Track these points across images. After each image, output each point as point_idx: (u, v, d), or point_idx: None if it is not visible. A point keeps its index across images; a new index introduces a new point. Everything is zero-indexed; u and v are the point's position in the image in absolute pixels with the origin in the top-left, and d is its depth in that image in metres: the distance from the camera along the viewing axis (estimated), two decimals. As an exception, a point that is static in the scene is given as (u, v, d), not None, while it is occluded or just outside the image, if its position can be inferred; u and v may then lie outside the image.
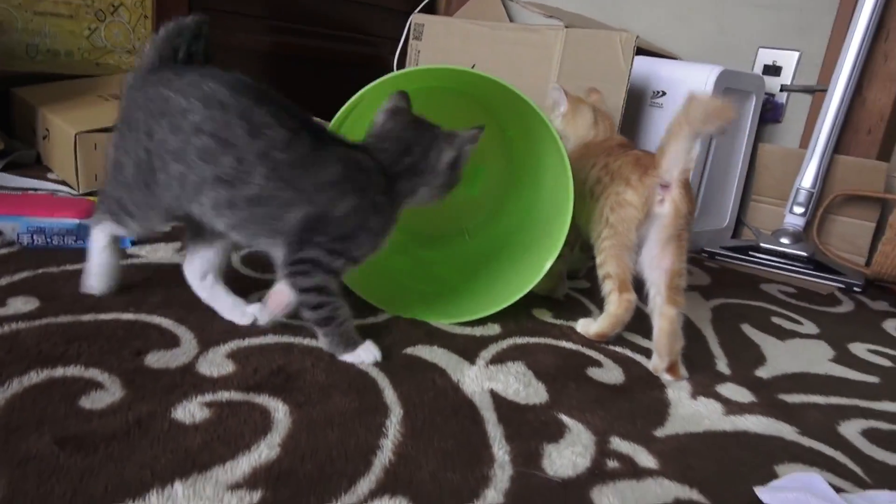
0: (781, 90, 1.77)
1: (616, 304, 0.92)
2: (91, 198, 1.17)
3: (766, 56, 1.79)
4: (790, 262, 1.52)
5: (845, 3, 1.66)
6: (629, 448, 0.70)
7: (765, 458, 0.72)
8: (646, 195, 0.88)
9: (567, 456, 0.66)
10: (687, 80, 1.54)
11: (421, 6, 2.36)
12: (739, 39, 1.82)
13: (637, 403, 0.80)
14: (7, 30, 1.48)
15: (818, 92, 1.70)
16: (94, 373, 0.68)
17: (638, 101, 1.61)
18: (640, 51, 1.47)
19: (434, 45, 1.86)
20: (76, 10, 1.73)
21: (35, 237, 0.97)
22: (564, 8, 1.86)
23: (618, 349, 0.95)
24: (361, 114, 0.91)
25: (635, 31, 1.47)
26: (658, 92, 1.59)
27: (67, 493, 0.51)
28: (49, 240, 0.98)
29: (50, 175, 1.39)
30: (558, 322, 1.01)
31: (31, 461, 0.54)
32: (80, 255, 0.97)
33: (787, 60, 1.76)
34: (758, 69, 1.79)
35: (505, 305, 0.95)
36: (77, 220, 1.00)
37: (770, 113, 1.77)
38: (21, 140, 1.52)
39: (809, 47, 1.72)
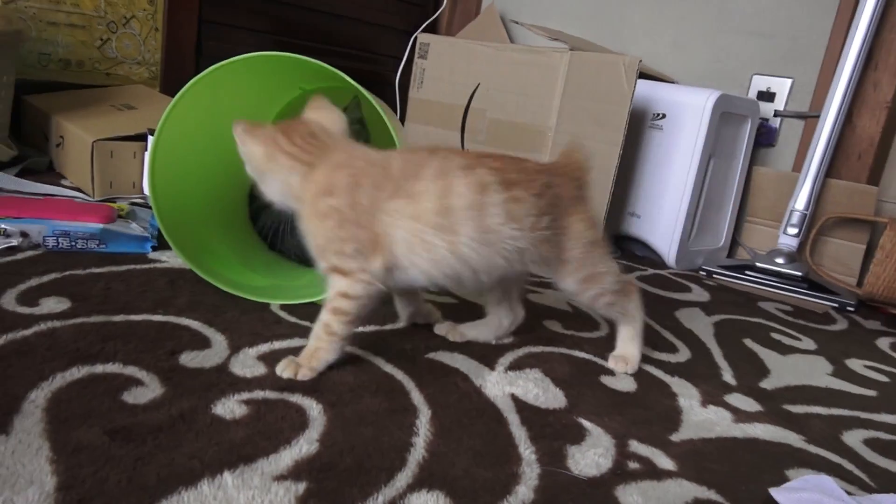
0: (775, 115, 1.83)
1: None
2: (112, 204, 1.19)
3: (761, 82, 1.85)
4: (785, 282, 1.57)
5: (836, 33, 1.73)
6: (647, 451, 0.73)
7: (775, 463, 0.76)
8: None
9: (590, 457, 0.69)
10: (686, 104, 1.59)
11: (423, 26, 2.42)
12: (734, 66, 1.89)
13: (651, 410, 0.83)
14: (23, 39, 1.50)
15: (811, 118, 1.76)
16: (132, 370, 0.70)
17: (639, 123, 1.66)
18: (641, 75, 1.52)
19: (439, 64, 1.90)
20: (89, 21, 1.76)
21: (60, 240, 0.99)
22: (567, 31, 1.92)
23: (628, 359, 0.98)
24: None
25: (634, 55, 1.52)
26: (658, 114, 1.64)
27: (122, 480, 0.53)
28: (73, 243, 0.99)
29: (64, 181, 1.41)
30: (569, 333, 1.04)
31: (84, 450, 0.55)
32: (104, 258, 0.99)
33: (781, 87, 1.83)
34: (752, 95, 1.85)
35: None
36: (101, 225, 1.02)
37: (764, 137, 1.83)
38: (31, 146, 1.54)
39: (802, 75, 1.79)
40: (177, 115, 0.95)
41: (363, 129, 1.18)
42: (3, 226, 0.96)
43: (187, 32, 1.97)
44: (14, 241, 0.96)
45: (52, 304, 0.82)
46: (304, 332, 0.86)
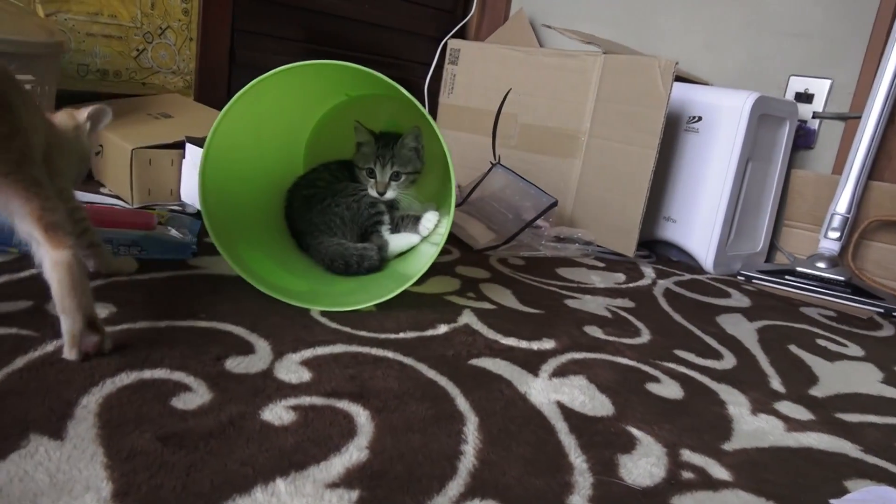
0: (814, 117, 1.79)
1: None
2: (151, 211, 1.20)
3: (798, 84, 1.82)
4: (827, 286, 1.53)
5: (878, 32, 1.69)
6: (701, 460, 0.71)
7: (833, 474, 0.73)
8: None
9: (642, 466, 0.68)
10: (723, 106, 1.57)
11: (452, 32, 2.42)
12: (770, 67, 1.85)
13: (700, 418, 0.81)
14: (64, 50, 1.53)
15: (851, 119, 1.72)
16: (180, 376, 0.70)
17: (673, 126, 1.63)
18: (675, 77, 1.50)
19: (470, 70, 1.90)
20: (126, 32, 1.79)
21: (103, 247, 0.99)
22: (598, 35, 1.90)
23: (672, 365, 0.96)
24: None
25: (670, 58, 1.50)
26: (694, 117, 1.62)
27: (177, 487, 0.53)
28: (116, 250, 1.00)
29: (102, 189, 1.43)
30: (611, 339, 1.03)
31: (137, 456, 0.55)
32: (146, 264, 1.00)
33: (819, 88, 1.79)
34: (789, 96, 1.82)
35: (402, 290, 0.95)
36: (142, 232, 1.03)
37: (802, 139, 1.79)
38: (71, 156, 1.56)
39: (841, 75, 1.75)
40: (226, 123, 0.96)
41: (417, 158, 1.18)
42: (48, 233, 0.96)
43: (221, 42, 2.00)
44: (59, 248, 0.97)
45: (98, 310, 0.82)
46: (346, 338, 0.86)
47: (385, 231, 1.16)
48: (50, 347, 0.71)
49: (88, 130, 0.93)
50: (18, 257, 0.95)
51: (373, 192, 1.15)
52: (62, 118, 0.91)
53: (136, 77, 1.83)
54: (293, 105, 1.17)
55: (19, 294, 0.84)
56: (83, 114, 0.93)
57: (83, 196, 1.33)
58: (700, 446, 0.74)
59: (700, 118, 1.61)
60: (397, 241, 1.16)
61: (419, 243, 1.16)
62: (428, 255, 1.11)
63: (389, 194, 1.16)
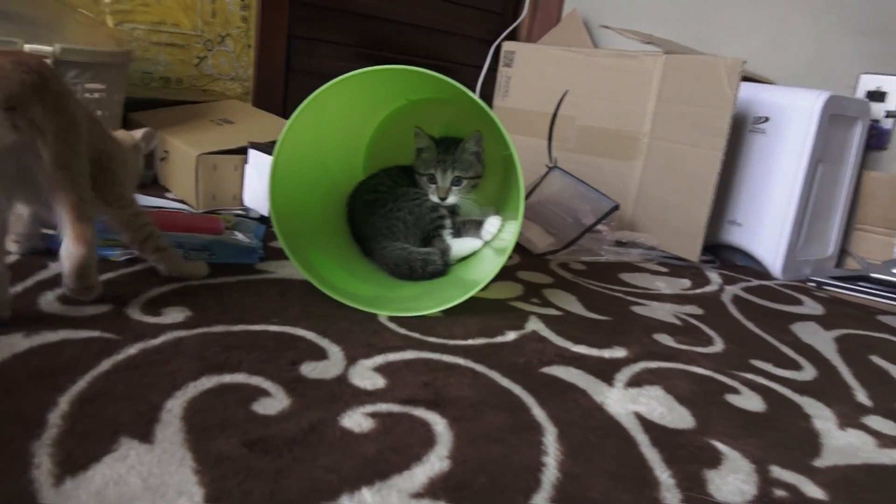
0: (887, 116, 1.71)
1: None
2: (217, 216, 1.22)
3: (870, 82, 1.74)
4: (905, 294, 1.46)
5: (958, 27, 1.61)
6: (792, 477, 0.68)
7: (934, 494, 0.69)
8: None
9: (731, 482, 0.65)
10: (793, 106, 1.51)
11: (504, 34, 2.41)
12: (839, 65, 1.78)
13: (786, 433, 0.78)
14: (131, 59, 1.57)
15: (929, 118, 1.64)
16: (258, 380, 0.70)
17: (739, 127, 1.58)
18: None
19: (525, 72, 1.88)
20: (187, 41, 1.83)
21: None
22: (657, 34, 1.86)
23: (750, 376, 0.93)
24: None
25: (736, 57, 1.46)
26: (760, 118, 1.57)
27: (265, 493, 0.52)
28: (187, 254, 1.02)
29: (168, 194, 1.46)
30: (684, 347, 1.00)
31: (225, 461, 0.56)
32: (215, 269, 1.01)
33: (893, 86, 1.71)
34: (860, 95, 1.74)
35: (469, 295, 0.95)
36: (211, 237, 1.04)
37: (875, 139, 1.72)
38: (137, 161, 1.60)
39: (918, 73, 1.67)
40: (293, 130, 0.97)
41: (478, 163, 1.17)
42: (124, 237, 0.99)
43: (277, 48, 2.02)
44: (133, 252, 0.99)
45: (174, 315, 0.83)
46: (416, 344, 0.86)
47: (447, 235, 1.15)
48: (132, 350, 0.73)
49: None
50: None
51: (434, 198, 1.15)
52: (122, 135, 1.00)
53: (196, 84, 1.87)
54: (354, 110, 1.17)
55: (100, 297, 0.85)
56: (138, 134, 1.02)
57: (151, 201, 1.37)
58: (789, 462, 0.70)
59: (767, 119, 1.56)
60: (460, 246, 1.15)
61: (481, 248, 1.15)
62: (491, 260, 1.09)
63: (450, 199, 1.15)
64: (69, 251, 0.77)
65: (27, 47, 1.22)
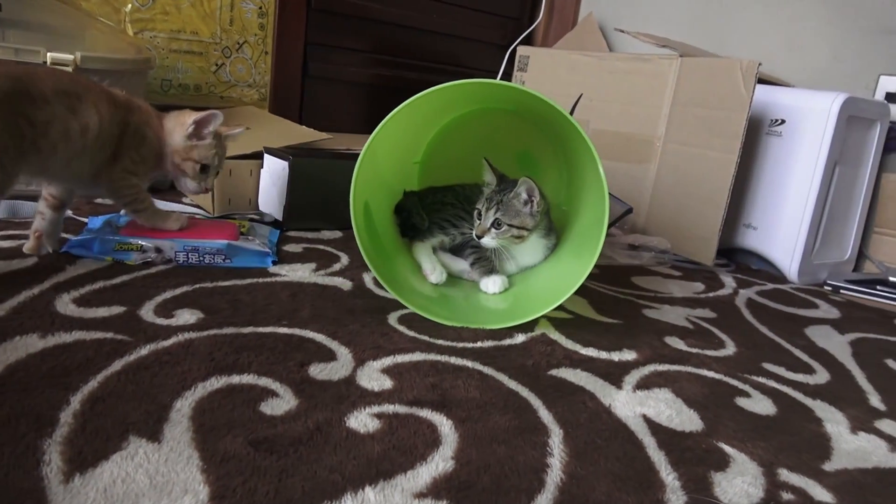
0: (907, 118, 1.69)
1: None
2: (233, 220, 1.24)
3: (889, 83, 1.72)
4: (925, 298, 1.44)
5: (980, 27, 1.58)
6: (801, 481, 0.67)
7: (948, 500, 0.68)
8: None
9: (738, 485, 0.64)
10: (809, 108, 1.50)
11: (519, 39, 2.41)
12: (857, 66, 1.76)
13: (796, 436, 0.77)
14: (151, 66, 1.61)
15: (950, 119, 1.62)
16: (266, 381, 0.71)
17: (754, 130, 1.57)
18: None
19: (540, 76, 1.88)
20: (206, 48, 1.86)
21: (189, 255, 1.03)
22: (672, 38, 1.86)
23: (761, 380, 0.92)
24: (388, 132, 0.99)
25: (752, 59, 1.45)
26: (776, 120, 1.55)
27: (270, 492, 0.53)
28: (202, 258, 1.04)
29: (184, 199, 1.48)
30: (694, 350, 0.99)
31: (231, 460, 0.56)
32: (229, 272, 1.03)
33: (913, 87, 1.69)
34: (878, 97, 1.72)
35: (549, 309, 0.97)
36: (226, 242, 1.06)
37: (894, 142, 1.69)
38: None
39: (938, 73, 1.65)
40: (376, 141, 0.98)
41: (528, 215, 1.09)
42: (140, 242, 1.01)
43: (294, 55, 2.05)
44: (150, 256, 1.01)
45: (186, 316, 0.85)
46: (425, 347, 0.86)
47: (476, 272, 1.15)
48: (144, 351, 0.74)
49: (191, 132, 1.06)
50: (112, 265, 0.99)
51: (472, 232, 1.10)
52: (171, 119, 1.08)
53: (214, 91, 1.89)
54: (414, 120, 1.15)
55: (113, 300, 0.87)
56: (190, 117, 1.06)
57: (167, 205, 1.39)
58: (798, 466, 0.70)
59: (783, 121, 1.54)
60: (456, 267, 1.18)
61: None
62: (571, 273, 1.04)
63: (487, 240, 1.07)
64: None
65: (49, 55, 1.25)
